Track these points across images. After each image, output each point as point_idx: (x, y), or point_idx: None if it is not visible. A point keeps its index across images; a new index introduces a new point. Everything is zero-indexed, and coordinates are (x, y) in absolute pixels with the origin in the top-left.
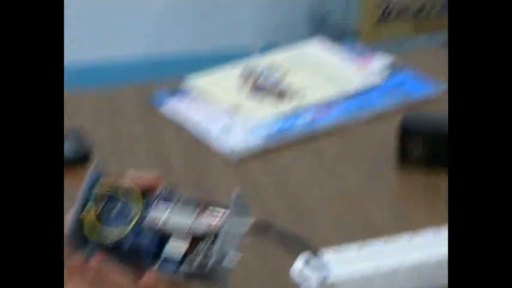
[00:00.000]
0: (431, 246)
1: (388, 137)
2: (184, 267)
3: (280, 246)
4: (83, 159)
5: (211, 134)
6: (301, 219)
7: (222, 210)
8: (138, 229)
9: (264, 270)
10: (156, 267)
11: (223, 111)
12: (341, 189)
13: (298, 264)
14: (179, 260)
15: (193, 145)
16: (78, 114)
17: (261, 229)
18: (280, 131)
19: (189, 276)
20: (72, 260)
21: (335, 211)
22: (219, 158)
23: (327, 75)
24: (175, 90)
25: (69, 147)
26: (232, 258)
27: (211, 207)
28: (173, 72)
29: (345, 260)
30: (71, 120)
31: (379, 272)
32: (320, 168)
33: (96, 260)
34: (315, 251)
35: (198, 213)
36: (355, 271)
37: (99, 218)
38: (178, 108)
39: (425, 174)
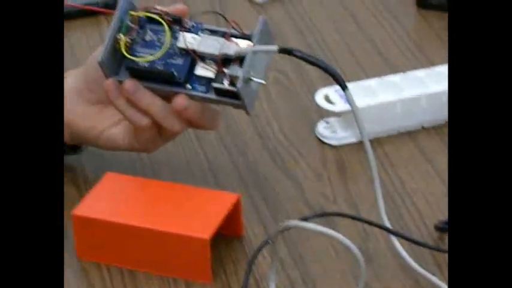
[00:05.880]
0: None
1: None
2: (215, 86)
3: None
4: (110, 7)
5: None
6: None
7: (248, 38)
8: (169, 53)
9: (286, 102)
10: (187, 87)
11: None
12: (361, 32)
13: (324, 90)
14: (210, 80)
15: None
16: None
17: (287, 52)
18: None
19: (219, 94)
20: (106, 84)
21: (355, 52)
22: (242, 0)
23: None
24: None
25: None
26: (259, 83)
27: (236, 36)
28: None
29: (367, 90)
30: None
31: (400, 99)
32: (340, 12)
33: (129, 83)
34: (339, 76)
35: (225, 40)
36: (378, 99)
37: (132, 44)
38: None
39: (442, 18)
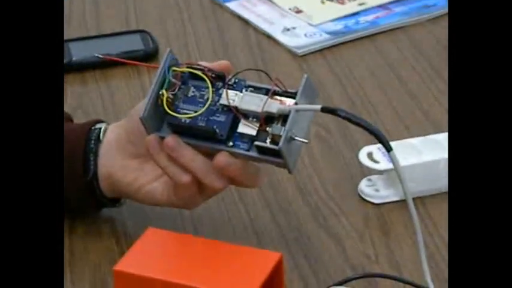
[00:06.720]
0: None
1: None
2: (257, 144)
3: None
4: (151, 56)
5: (275, 31)
6: (363, 114)
7: (291, 95)
8: (212, 110)
9: (329, 159)
10: (229, 145)
11: (287, 11)
12: (402, 86)
13: (367, 148)
14: (252, 138)
15: (258, 41)
16: (143, 13)
17: (330, 111)
18: (343, 29)
19: (261, 152)
20: (148, 139)
21: (396, 107)
22: (284, 53)
23: None
24: None
25: (138, 46)
26: (301, 141)
27: (279, 94)
28: None
29: (410, 149)
30: (138, 21)
31: (444, 158)
32: (381, 66)
33: (171, 139)
34: (383, 137)
35: (268, 98)
36: (421, 157)
37: (174, 100)
38: (243, 5)
39: None
